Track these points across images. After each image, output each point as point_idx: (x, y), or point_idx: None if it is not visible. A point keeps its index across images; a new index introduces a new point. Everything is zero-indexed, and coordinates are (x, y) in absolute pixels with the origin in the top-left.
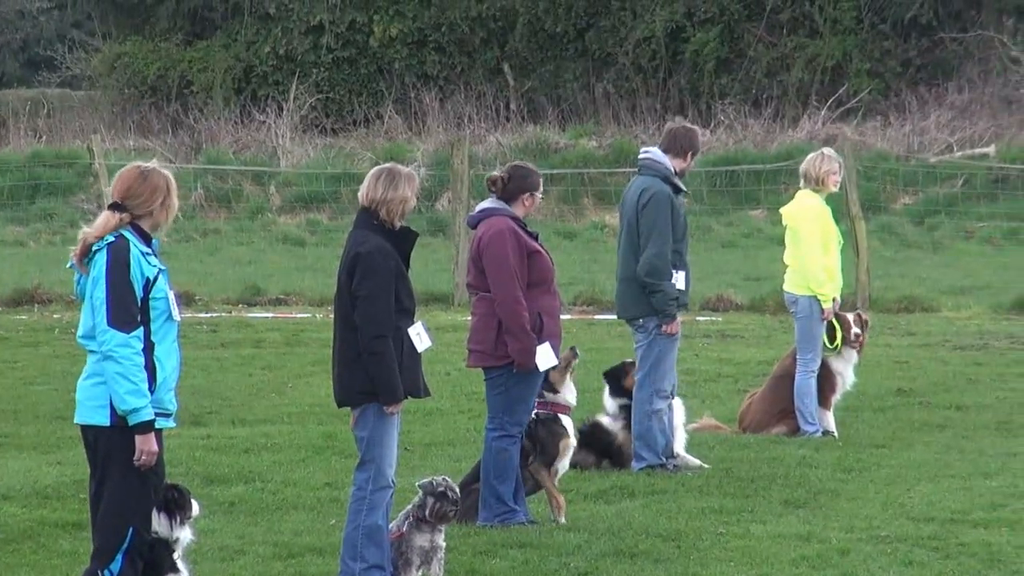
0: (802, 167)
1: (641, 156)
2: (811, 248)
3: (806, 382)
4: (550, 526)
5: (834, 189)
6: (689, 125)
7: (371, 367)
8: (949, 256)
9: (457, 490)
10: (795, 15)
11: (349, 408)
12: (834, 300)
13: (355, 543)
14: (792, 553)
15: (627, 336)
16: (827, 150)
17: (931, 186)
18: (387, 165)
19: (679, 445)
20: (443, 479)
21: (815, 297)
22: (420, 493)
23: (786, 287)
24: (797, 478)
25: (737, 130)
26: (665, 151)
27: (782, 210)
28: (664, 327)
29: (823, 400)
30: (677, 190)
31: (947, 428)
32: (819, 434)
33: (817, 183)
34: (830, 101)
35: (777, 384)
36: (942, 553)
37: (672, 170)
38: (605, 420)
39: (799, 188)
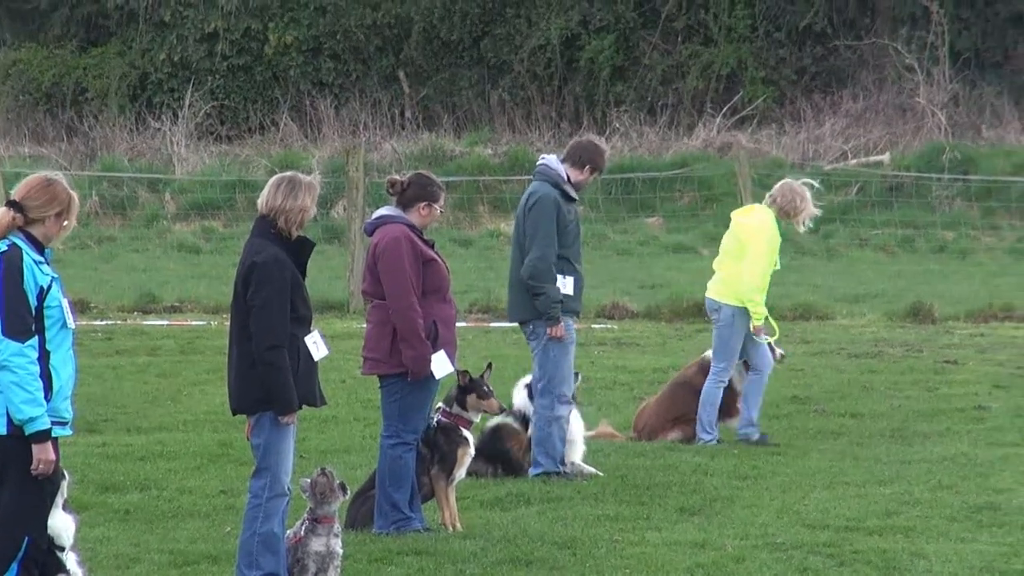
0: (779, 192)
1: (539, 161)
2: (759, 264)
3: (714, 391)
4: (445, 533)
5: (800, 229)
6: (597, 141)
7: (266, 377)
8: (843, 264)
9: (334, 471)
10: (690, 23)
11: (245, 416)
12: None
13: (251, 550)
14: (687, 560)
15: (522, 343)
16: (808, 191)
17: (826, 194)
18: (288, 174)
19: (577, 455)
20: (319, 467)
21: (741, 308)
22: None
23: (710, 294)
24: (692, 485)
25: (632, 138)
26: (564, 160)
27: (736, 218)
28: (549, 330)
29: (729, 409)
30: (568, 197)
31: (842, 435)
32: (715, 443)
33: (787, 215)
34: (725, 109)
35: (675, 390)
36: (837, 560)
37: (564, 177)
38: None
39: (757, 202)
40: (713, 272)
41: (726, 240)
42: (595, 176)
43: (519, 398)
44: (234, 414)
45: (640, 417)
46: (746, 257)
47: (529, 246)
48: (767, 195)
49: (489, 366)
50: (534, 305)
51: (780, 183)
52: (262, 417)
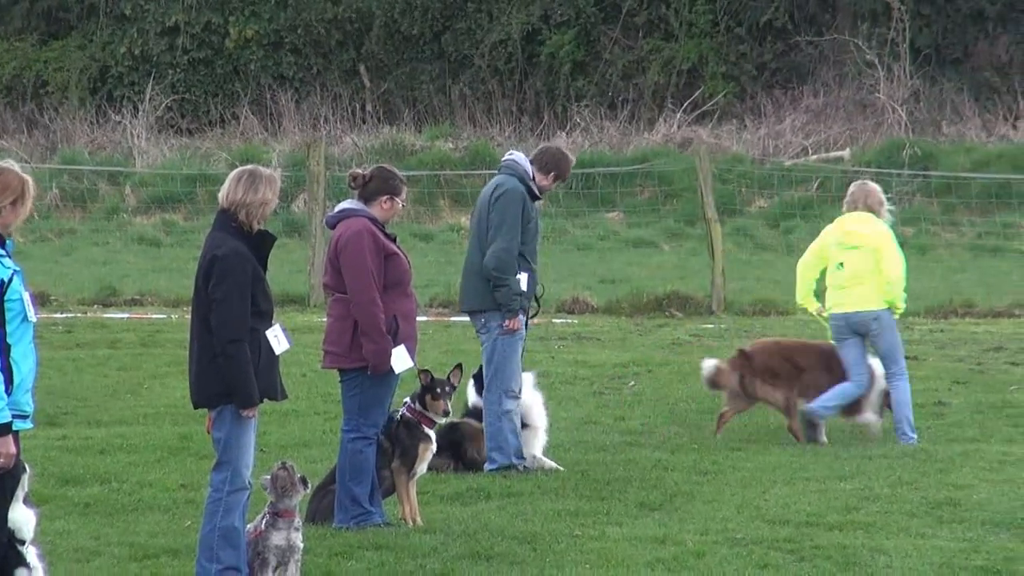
0: (861, 193)
1: (504, 157)
2: (898, 262)
3: (905, 388)
4: (405, 528)
5: (888, 217)
6: (566, 151)
7: (226, 370)
8: None
9: (294, 465)
10: (651, 18)
11: (206, 410)
12: None
13: (211, 544)
14: (648, 555)
15: None
16: (870, 182)
17: (786, 189)
18: (248, 167)
19: (538, 448)
20: (279, 461)
21: (889, 308)
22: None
23: (860, 307)
24: (653, 480)
25: (593, 133)
26: (532, 161)
27: (852, 230)
28: (506, 322)
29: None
30: (532, 195)
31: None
32: (914, 443)
33: (871, 209)
34: (686, 104)
35: None
36: (797, 555)
37: (531, 175)
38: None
39: (845, 212)
40: (842, 288)
41: (850, 256)
42: (557, 184)
43: (472, 394)
44: (195, 407)
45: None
46: (884, 261)
47: (493, 237)
48: (847, 201)
49: (458, 367)
50: (490, 296)
51: (854, 187)
52: (223, 411)
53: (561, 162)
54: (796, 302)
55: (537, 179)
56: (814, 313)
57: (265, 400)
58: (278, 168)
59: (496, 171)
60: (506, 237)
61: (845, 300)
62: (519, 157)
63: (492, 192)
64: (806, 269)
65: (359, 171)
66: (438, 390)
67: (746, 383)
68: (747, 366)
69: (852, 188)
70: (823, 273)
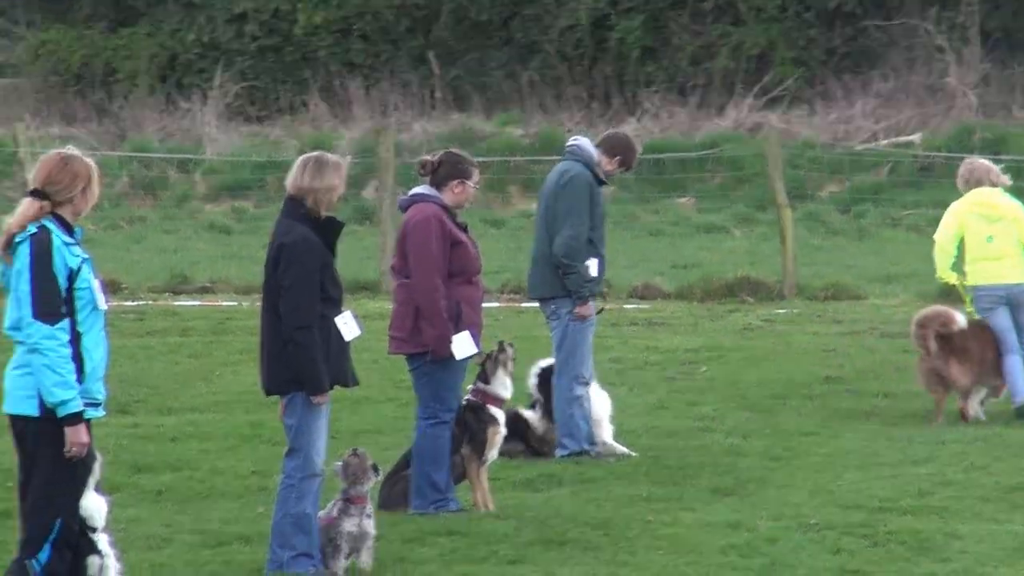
0: (983, 169)
1: (570, 142)
2: None
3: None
4: (478, 514)
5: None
6: (633, 139)
7: (295, 358)
8: (875, 244)
9: (366, 452)
10: (719, 3)
11: (277, 396)
12: None
13: (284, 531)
14: (720, 541)
15: None
16: (983, 159)
17: (857, 174)
18: (315, 153)
19: (607, 435)
20: (351, 448)
21: None
22: (337, 473)
23: (1018, 279)
24: (725, 466)
25: (663, 118)
26: (597, 145)
27: (995, 203)
28: (577, 308)
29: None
30: (599, 180)
31: (875, 416)
32: None
33: (995, 185)
34: (755, 89)
35: None
36: (871, 540)
37: (596, 160)
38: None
39: (967, 190)
40: (997, 260)
41: (997, 229)
42: (621, 171)
43: (532, 383)
44: (267, 395)
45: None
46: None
47: (561, 224)
48: (969, 179)
49: (500, 344)
50: (559, 283)
51: (972, 164)
52: (294, 397)
53: (627, 148)
54: (937, 276)
55: (603, 164)
56: (956, 285)
57: (336, 387)
58: (347, 155)
59: (562, 157)
60: (574, 224)
61: (1001, 272)
62: (584, 142)
63: (558, 179)
64: (946, 243)
65: (428, 158)
66: (496, 355)
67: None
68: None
69: (971, 166)
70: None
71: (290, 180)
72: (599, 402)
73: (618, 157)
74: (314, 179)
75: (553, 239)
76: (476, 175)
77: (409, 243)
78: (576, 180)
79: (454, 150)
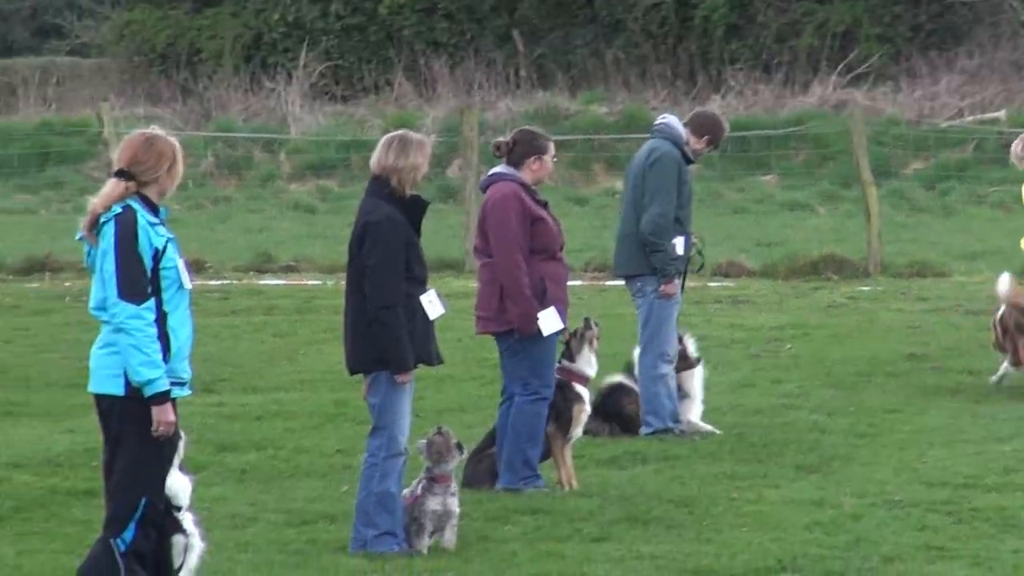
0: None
1: (658, 120)
2: None
3: None
4: (562, 492)
5: None
6: (721, 117)
7: (379, 336)
8: (960, 221)
9: (450, 431)
10: None
11: (361, 375)
12: None
13: (367, 510)
14: (805, 518)
15: None
16: None
17: (942, 151)
18: (398, 132)
19: (695, 413)
20: (435, 427)
21: None
22: (421, 452)
23: None
24: (810, 443)
25: (747, 96)
26: (686, 124)
27: None
28: (662, 287)
29: None
30: (687, 159)
31: (960, 393)
32: None
33: None
34: (840, 66)
35: None
36: (955, 518)
37: (684, 139)
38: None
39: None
40: None
41: None
42: (710, 150)
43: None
44: (351, 373)
45: None
46: None
47: (649, 202)
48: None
49: (586, 321)
50: (644, 260)
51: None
52: (378, 376)
53: (715, 127)
54: None
55: (691, 142)
56: None
57: (420, 365)
58: (431, 134)
59: (649, 135)
60: (662, 202)
61: None
62: (672, 121)
63: (647, 157)
64: None
65: (501, 140)
66: (581, 333)
67: None
68: None
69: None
70: None
71: (375, 159)
72: (695, 379)
73: (706, 136)
74: (398, 158)
75: (640, 217)
76: (552, 149)
77: (489, 222)
78: (664, 159)
79: (527, 128)
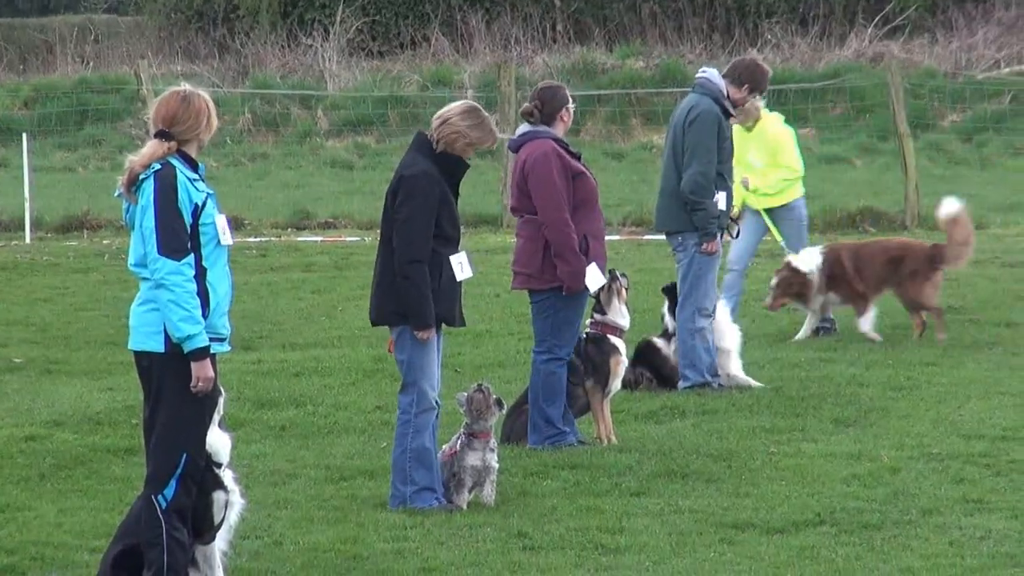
0: None
1: (699, 74)
2: None
3: None
4: (600, 447)
5: None
6: (760, 62)
7: (403, 291)
8: (997, 173)
9: (490, 387)
10: None
11: (388, 329)
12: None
13: (404, 467)
14: (843, 471)
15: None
16: None
17: (979, 103)
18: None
19: (735, 367)
20: (475, 383)
21: None
22: (461, 408)
23: None
24: (847, 397)
25: (784, 49)
26: (724, 75)
27: None
28: (705, 245)
29: None
30: (727, 113)
31: (997, 345)
32: None
33: None
34: (877, 19)
35: None
36: (993, 470)
37: (725, 93)
38: (659, 341)
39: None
40: None
41: None
42: (752, 97)
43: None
44: (373, 325)
45: None
46: None
47: (689, 160)
48: None
49: (611, 273)
50: (686, 217)
51: None
52: (404, 332)
53: (755, 72)
54: None
55: (731, 93)
56: None
57: (443, 325)
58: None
59: (688, 89)
60: (702, 160)
61: None
62: (712, 74)
63: (687, 114)
64: None
65: (529, 105)
66: (609, 285)
67: None
68: None
69: None
70: None
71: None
72: (729, 334)
73: (746, 84)
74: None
75: (680, 174)
76: (569, 96)
77: (532, 181)
78: (704, 116)
79: (543, 85)
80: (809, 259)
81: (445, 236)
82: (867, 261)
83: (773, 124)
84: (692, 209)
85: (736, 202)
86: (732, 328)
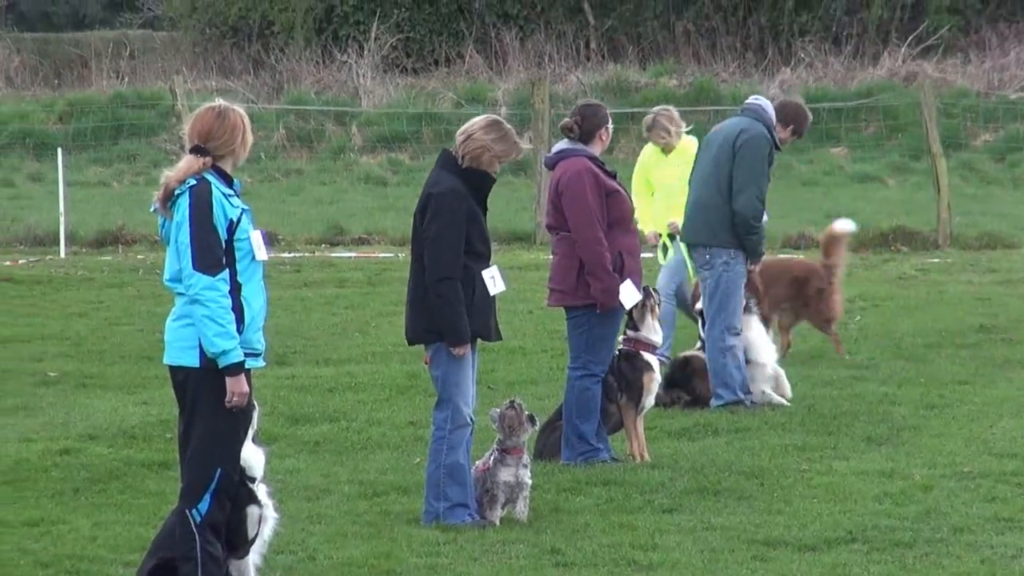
0: None
1: (750, 100)
2: None
3: None
4: (633, 463)
5: None
6: (803, 106)
7: (436, 308)
8: None
9: (522, 403)
10: None
11: (423, 346)
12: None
13: (438, 482)
14: (875, 489)
15: None
16: None
17: (1011, 123)
18: (498, 118)
19: (766, 384)
20: (508, 399)
21: None
22: (494, 424)
23: None
24: (879, 415)
25: (817, 68)
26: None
27: None
28: (751, 265)
29: None
30: (775, 143)
31: None
32: None
33: None
34: (910, 38)
35: None
36: None
37: (775, 123)
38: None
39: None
40: None
41: None
42: (793, 140)
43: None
44: (409, 344)
45: None
46: None
47: (745, 184)
48: None
49: (646, 290)
50: (718, 233)
51: None
52: (439, 349)
53: (800, 117)
54: None
55: (776, 130)
56: None
57: (478, 340)
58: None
59: (722, 107)
60: (758, 183)
61: None
62: (765, 104)
63: (736, 134)
64: None
65: (569, 120)
66: (642, 302)
67: None
68: None
69: None
70: None
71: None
72: (765, 349)
73: (791, 126)
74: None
75: (719, 188)
76: (609, 117)
77: (566, 199)
78: (756, 139)
79: (584, 103)
80: None
81: (476, 252)
82: (772, 281)
83: (693, 146)
84: (747, 232)
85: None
86: (767, 344)
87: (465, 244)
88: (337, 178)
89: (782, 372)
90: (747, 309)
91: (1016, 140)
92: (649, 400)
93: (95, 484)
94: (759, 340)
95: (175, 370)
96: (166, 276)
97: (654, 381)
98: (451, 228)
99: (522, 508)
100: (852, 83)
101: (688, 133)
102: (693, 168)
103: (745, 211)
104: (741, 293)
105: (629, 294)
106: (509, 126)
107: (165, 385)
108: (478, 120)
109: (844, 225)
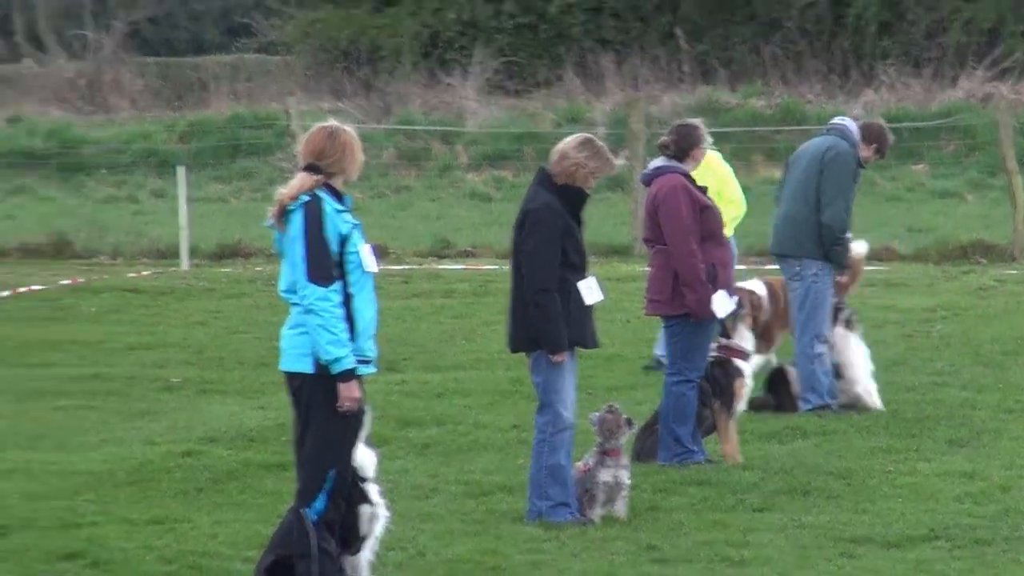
0: None
1: (836, 120)
2: None
3: None
4: (726, 465)
5: None
6: (886, 127)
7: (534, 319)
8: None
9: (620, 408)
10: None
11: (525, 354)
12: None
13: (540, 483)
14: (956, 490)
15: None
16: None
17: None
18: (590, 136)
19: (860, 388)
20: (607, 404)
21: None
22: (593, 427)
23: None
24: (960, 418)
25: (898, 89)
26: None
27: None
28: (839, 277)
29: None
30: (859, 162)
31: None
32: None
33: None
34: (986, 61)
35: None
36: None
37: (859, 142)
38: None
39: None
40: None
41: None
42: (876, 158)
43: None
44: (511, 352)
45: None
46: None
47: (833, 198)
48: None
49: (739, 303)
50: (807, 245)
51: None
52: (539, 356)
53: (883, 137)
54: None
55: (860, 149)
56: None
57: (576, 347)
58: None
59: (807, 127)
60: (846, 197)
61: None
62: (851, 124)
63: (824, 151)
64: None
65: (666, 138)
66: (734, 312)
67: None
68: None
69: None
70: None
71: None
72: (859, 356)
73: (874, 145)
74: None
75: (808, 201)
76: (706, 136)
77: (662, 214)
78: (844, 156)
79: (681, 122)
80: (759, 287)
81: (571, 264)
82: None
83: (717, 161)
84: (833, 244)
85: None
86: (859, 345)
87: (561, 257)
88: (443, 194)
89: (874, 387)
90: (849, 324)
91: None
92: (740, 405)
93: (215, 484)
94: (852, 343)
95: (291, 376)
96: (281, 287)
97: (745, 386)
98: (547, 242)
99: (621, 507)
100: (932, 104)
101: (769, 150)
102: (780, 184)
103: (832, 223)
104: (829, 303)
105: (722, 303)
106: (601, 143)
107: (281, 390)
108: (571, 139)
109: (858, 247)
